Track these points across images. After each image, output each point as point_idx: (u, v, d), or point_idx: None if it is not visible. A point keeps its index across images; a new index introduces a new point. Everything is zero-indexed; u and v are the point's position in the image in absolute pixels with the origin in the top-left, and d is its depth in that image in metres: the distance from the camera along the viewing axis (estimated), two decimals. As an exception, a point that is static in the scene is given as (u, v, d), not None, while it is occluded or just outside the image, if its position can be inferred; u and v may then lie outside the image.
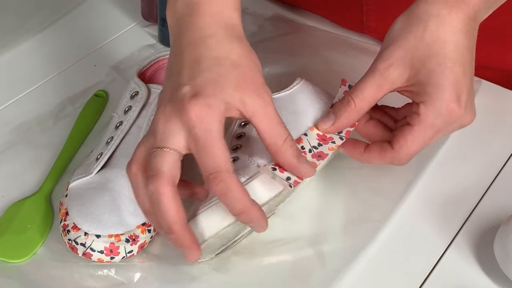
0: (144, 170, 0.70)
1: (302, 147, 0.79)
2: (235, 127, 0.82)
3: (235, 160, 0.78)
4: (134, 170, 0.71)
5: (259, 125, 0.71)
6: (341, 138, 0.80)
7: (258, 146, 0.78)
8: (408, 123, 0.78)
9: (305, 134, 0.80)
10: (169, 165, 0.68)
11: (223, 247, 0.78)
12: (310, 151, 0.78)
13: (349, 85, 0.82)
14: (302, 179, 0.74)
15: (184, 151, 0.69)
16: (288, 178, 0.74)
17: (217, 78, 0.70)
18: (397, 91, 0.79)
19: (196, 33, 0.73)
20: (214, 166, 0.68)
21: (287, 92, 0.85)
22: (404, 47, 0.76)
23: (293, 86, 0.86)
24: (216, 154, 0.68)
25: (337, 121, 0.79)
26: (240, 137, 0.81)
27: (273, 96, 0.81)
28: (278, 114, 0.72)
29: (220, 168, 0.68)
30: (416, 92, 0.77)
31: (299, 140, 0.79)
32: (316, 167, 0.77)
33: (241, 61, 0.72)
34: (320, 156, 0.79)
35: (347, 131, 0.81)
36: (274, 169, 0.74)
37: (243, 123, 0.82)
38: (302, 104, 0.83)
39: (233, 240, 0.77)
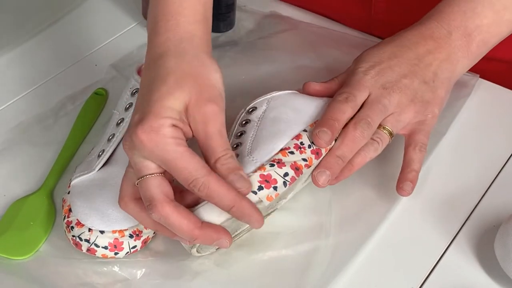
0: (134, 200, 0.73)
1: (301, 143, 0.79)
2: (236, 126, 0.82)
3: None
4: (123, 205, 0.74)
5: (198, 141, 0.72)
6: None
7: (257, 143, 0.78)
8: None
9: (305, 130, 0.80)
10: (157, 189, 0.70)
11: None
12: (309, 146, 0.79)
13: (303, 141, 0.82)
14: (298, 175, 0.76)
15: (161, 170, 0.71)
16: (285, 174, 0.75)
17: (160, 98, 0.71)
18: None
19: (152, 53, 0.75)
20: (189, 177, 0.69)
21: (283, 92, 0.85)
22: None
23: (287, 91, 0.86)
24: (185, 167, 0.69)
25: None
26: (240, 136, 0.81)
27: (274, 94, 0.82)
28: (219, 129, 0.72)
29: (195, 176, 0.69)
30: None
31: (298, 136, 0.79)
32: (311, 165, 0.78)
33: (186, 75, 0.72)
34: (317, 153, 0.79)
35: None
36: (272, 165, 0.75)
37: (244, 122, 0.82)
38: (303, 101, 0.83)
39: (233, 235, 0.77)
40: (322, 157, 0.79)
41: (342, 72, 0.87)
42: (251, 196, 0.73)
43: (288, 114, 0.80)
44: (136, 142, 0.69)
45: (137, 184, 0.71)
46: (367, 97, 0.81)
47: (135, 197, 0.73)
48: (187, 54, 0.74)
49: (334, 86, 0.85)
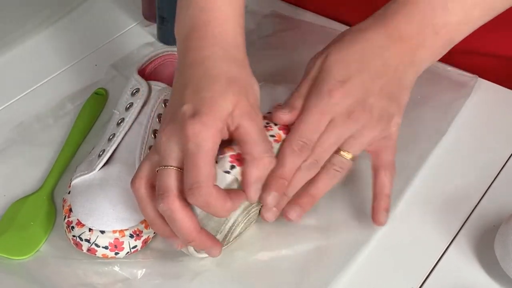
0: (147, 185, 0.74)
1: (267, 123, 0.79)
2: None
3: None
4: (137, 185, 0.74)
5: (244, 148, 0.73)
6: None
7: None
8: None
9: (269, 112, 0.80)
10: (175, 181, 0.71)
11: (221, 236, 0.77)
12: (275, 124, 0.79)
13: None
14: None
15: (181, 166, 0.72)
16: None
17: (214, 97, 0.72)
18: None
19: (198, 54, 0.76)
20: (195, 180, 0.69)
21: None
22: None
23: None
24: (199, 167, 0.70)
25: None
26: None
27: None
28: (265, 137, 0.74)
29: (200, 183, 0.69)
30: None
31: (263, 118, 0.80)
32: (280, 140, 0.77)
33: (237, 79, 0.74)
34: (285, 129, 0.79)
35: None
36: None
37: None
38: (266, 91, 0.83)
39: (228, 228, 0.77)
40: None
41: (304, 77, 0.81)
42: (226, 176, 0.73)
43: None
44: (180, 129, 0.70)
45: (157, 170, 0.72)
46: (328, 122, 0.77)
47: (149, 182, 0.73)
48: (236, 61, 0.76)
49: (298, 108, 0.79)
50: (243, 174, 0.73)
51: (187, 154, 0.70)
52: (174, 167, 0.71)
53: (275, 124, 0.78)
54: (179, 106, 0.72)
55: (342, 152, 0.77)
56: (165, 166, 0.72)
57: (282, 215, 0.77)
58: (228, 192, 0.71)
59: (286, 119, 0.78)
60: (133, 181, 0.74)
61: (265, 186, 0.74)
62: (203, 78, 0.74)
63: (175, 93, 0.75)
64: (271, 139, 0.76)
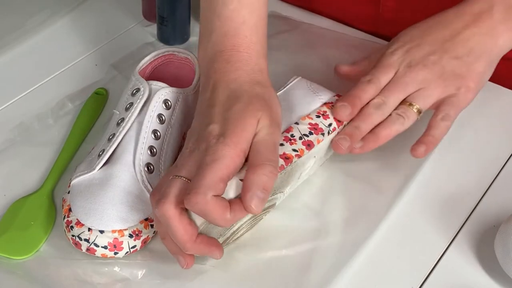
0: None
1: (292, 135, 0.80)
2: None
3: None
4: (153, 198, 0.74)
5: (250, 156, 0.73)
6: (328, 133, 0.83)
7: None
8: None
9: (296, 123, 0.82)
10: (176, 190, 0.71)
11: (223, 238, 0.77)
12: (300, 138, 0.80)
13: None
14: (288, 164, 0.78)
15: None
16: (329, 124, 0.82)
17: (238, 118, 0.73)
18: None
19: (223, 77, 0.77)
20: (194, 186, 0.69)
21: (283, 90, 0.87)
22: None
23: (288, 84, 0.88)
24: (204, 176, 0.69)
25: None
26: None
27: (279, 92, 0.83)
28: (275, 152, 0.74)
29: (198, 190, 0.69)
30: None
31: (289, 129, 0.81)
32: (302, 155, 0.79)
33: (259, 97, 0.75)
34: (309, 145, 0.80)
35: (333, 127, 0.83)
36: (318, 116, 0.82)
37: None
38: (296, 100, 0.85)
39: (232, 232, 0.77)
40: (313, 148, 0.80)
41: (376, 52, 0.90)
42: (240, 184, 0.72)
43: (282, 113, 0.80)
44: (206, 150, 0.71)
45: (170, 178, 0.73)
46: (392, 77, 0.85)
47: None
48: (259, 83, 0.77)
49: (363, 67, 0.90)
50: (243, 181, 0.72)
51: (200, 165, 0.71)
52: (183, 177, 0.72)
53: (300, 138, 0.80)
54: (206, 125, 0.74)
55: (408, 104, 0.84)
56: (175, 176, 0.72)
57: (335, 144, 0.83)
58: (232, 203, 0.71)
59: (346, 70, 0.92)
60: (151, 195, 0.75)
61: (340, 101, 0.84)
62: (228, 99, 0.75)
63: (201, 114, 0.77)
64: (293, 153, 0.78)
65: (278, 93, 0.85)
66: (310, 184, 0.86)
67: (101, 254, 0.76)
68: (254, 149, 0.72)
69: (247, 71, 0.78)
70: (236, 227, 0.77)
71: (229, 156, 0.70)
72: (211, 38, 0.80)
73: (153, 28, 1.07)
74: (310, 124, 0.82)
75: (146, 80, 0.85)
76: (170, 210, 0.71)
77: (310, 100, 0.85)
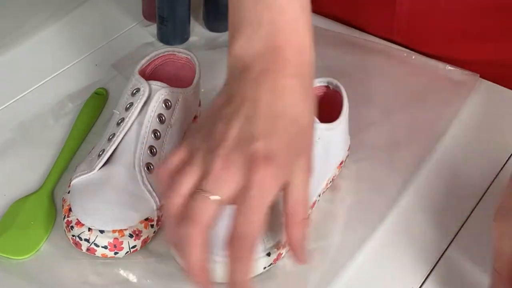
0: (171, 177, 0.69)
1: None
2: None
3: None
4: (162, 176, 0.69)
5: (291, 196, 0.69)
6: None
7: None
8: None
9: None
10: (209, 215, 0.66)
11: None
12: None
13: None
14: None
15: (227, 202, 0.66)
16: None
17: (289, 145, 0.68)
18: None
19: (275, 80, 0.70)
20: (245, 230, 0.66)
21: None
22: None
23: None
24: (253, 220, 0.65)
25: None
26: None
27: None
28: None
29: (248, 235, 0.66)
30: None
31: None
32: None
33: (307, 128, 0.71)
34: None
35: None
36: None
37: None
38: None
39: None
40: None
41: None
42: None
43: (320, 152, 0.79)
44: (249, 167, 0.66)
45: (198, 191, 0.66)
46: None
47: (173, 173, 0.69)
48: (305, 75, 0.71)
49: None
50: (289, 235, 0.70)
51: (247, 199, 0.65)
52: (218, 197, 0.66)
53: None
54: (250, 139, 0.67)
55: None
56: (208, 192, 0.66)
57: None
58: None
59: None
60: (160, 170, 0.69)
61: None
62: (282, 117, 0.68)
63: (236, 114, 0.68)
64: None
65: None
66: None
67: (101, 254, 0.76)
68: (292, 198, 0.69)
69: (302, 79, 0.71)
70: None
71: (274, 190, 0.66)
72: (259, 32, 0.71)
73: (153, 28, 1.07)
74: None
75: (146, 80, 0.85)
76: (197, 236, 0.66)
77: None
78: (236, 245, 0.66)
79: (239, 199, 0.66)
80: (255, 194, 0.65)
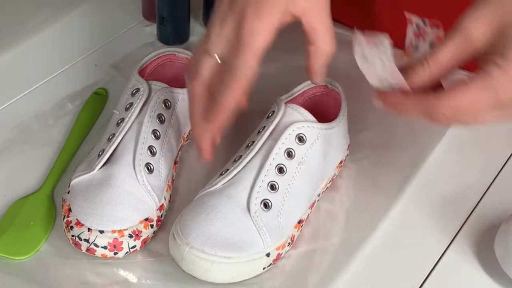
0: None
1: None
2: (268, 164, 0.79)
3: (266, 205, 0.78)
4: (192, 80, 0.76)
5: (307, 23, 0.73)
6: None
7: None
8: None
9: None
10: (207, 70, 0.73)
11: None
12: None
13: (417, 24, 0.75)
14: None
15: (221, 57, 0.73)
16: None
17: None
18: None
19: None
20: (239, 61, 0.71)
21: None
22: (494, 7, 0.69)
23: None
24: (247, 52, 0.71)
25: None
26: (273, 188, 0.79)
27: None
28: (331, 20, 0.73)
29: (242, 67, 0.71)
30: (491, 59, 0.68)
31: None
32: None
33: None
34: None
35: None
36: None
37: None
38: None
39: None
40: None
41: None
42: None
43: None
44: (238, 16, 0.71)
45: (201, 51, 0.74)
46: None
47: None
48: None
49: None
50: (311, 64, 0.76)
51: (238, 40, 0.71)
52: (215, 54, 0.73)
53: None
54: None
55: None
56: (208, 50, 0.73)
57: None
58: None
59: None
60: (190, 78, 0.76)
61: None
62: None
63: None
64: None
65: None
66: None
67: (101, 254, 0.76)
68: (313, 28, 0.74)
69: None
70: None
71: (265, 32, 0.72)
72: None
73: (153, 28, 1.07)
74: None
75: (146, 80, 0.85)
76: (197, 88, 0.74)
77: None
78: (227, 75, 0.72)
79: (232, 43, 0.71)
80: (243, 33, 0.71)
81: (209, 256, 0.73)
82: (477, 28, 0.69)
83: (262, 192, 0.76)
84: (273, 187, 0.77)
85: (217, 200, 0.76)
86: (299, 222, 0.79)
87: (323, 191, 0.84)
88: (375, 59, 0.70)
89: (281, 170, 0.78)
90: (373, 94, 0.73)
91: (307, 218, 0.81)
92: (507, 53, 0.67)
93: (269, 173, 0.77)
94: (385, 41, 0.70)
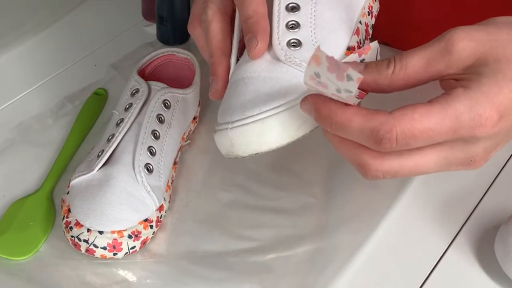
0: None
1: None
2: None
3: (295, 45, 0.69)
4: (193, 27, 0.76)
5: None
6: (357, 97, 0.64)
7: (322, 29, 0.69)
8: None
9: (360, 22, 0.71)
10: (209, 15, 0.72)
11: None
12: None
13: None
14: None
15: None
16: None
17: None
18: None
19: None
20: (250, 12, 0.68)
21: None
22: (491, 36, 0.62)
23: None
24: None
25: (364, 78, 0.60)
26: (294, 10, 0.71)
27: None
28: None
29: (256, 14, 0.68)
30: (460, 83, 0.61)
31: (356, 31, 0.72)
32: None
33: None
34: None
35: (360, 92, 0.64)
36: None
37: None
38: None
39: None
40: None
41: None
42: None
43: None
44: None
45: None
46: None
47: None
48: None
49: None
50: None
51: None
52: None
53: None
54: None
55: None
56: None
57: None
58: None
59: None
60: (188, 27, 0.76)
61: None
62: None
63: None
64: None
65: None
66: (309, 184, 0.86)
67: (100, 255, 0.76)
68: None
69: None
70: None
71: None
72: None
73: (152, 28, 1.07)
74: None
75: (146, 81, 0.85)
76: (214, 15, 0.72)
77: None
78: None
79: None
80: None
81: (255, 116, 0.65)
82: (463, 47, 0.61)
83: None
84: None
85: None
86: None
87: None
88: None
89: None
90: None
91: None
92: (479, 80, 0.60)
93: None
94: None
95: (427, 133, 0.59)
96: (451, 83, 0.62)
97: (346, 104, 0.60)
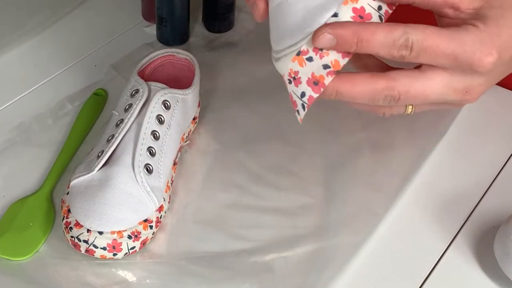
0: None
1: None
2: None
3: None
4: None
5: None
6: (380, 17, 0.65)
7: None
8: None
9: (335, 15, 0.65)
10: None
11: None
12: None
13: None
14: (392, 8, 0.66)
15: None
16: (379, 8, 0.65)
17: None
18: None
19: None
20: None
21: None
22: None
23: None
24: None
25: None
26: None
27: None
28: None
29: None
30: (468, 21, 0.67)
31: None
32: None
33: None
34: None
35: (385, 10, 0.66)
36: None
37: None
38: None
39: None
40: None
41: None
42: None
43: None
44: None
45: None
46: None
47: None
48: None
49: None
50: None
51: None
52: None
53: None
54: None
55: None
56: None
57: None
58: None
59: None
60: None
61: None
62: None
63: None
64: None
65: None
66: (309, 185, 0.86)
67: (100, 255, 0.76)
68: None
69: None
70: None
71: None
72: None
73: (152, 29, 1.07)
74: (353, 9, 0.65)
75: (146, 81, 0.85)
76: None
77: None
78: None
79: None
80: None
81: (282, 51, 0.68)
82: None
83: None
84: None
85: None
86: None
87: None
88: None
89: None
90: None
91: None
92: (484, 19, 0.66)
93: None
94: None
95: (434, 49, 0.64)
96: (456, 22, 0.67)
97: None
